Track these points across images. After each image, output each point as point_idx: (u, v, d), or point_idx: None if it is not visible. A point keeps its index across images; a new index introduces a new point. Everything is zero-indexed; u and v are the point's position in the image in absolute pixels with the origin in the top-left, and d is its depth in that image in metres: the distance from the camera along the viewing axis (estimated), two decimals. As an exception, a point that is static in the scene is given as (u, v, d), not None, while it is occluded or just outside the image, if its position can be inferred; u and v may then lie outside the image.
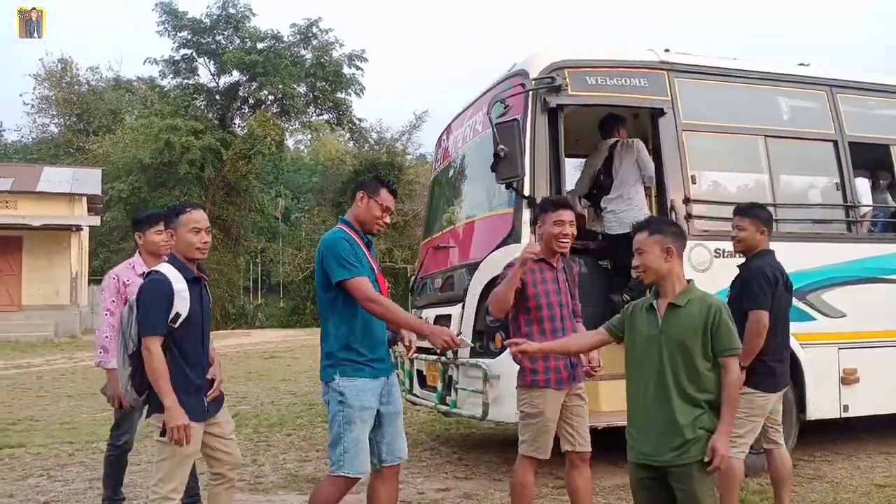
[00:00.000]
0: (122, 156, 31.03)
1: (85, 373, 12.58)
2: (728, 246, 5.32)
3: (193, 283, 3.23)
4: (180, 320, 3.14)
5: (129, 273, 4.17)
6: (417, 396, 6.08)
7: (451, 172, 6.61)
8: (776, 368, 3.97)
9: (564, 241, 3.76)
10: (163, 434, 3.09)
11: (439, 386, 5.41)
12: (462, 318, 5.27)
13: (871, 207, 6.05)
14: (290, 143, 42.40)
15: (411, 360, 6.24)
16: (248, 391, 10.19)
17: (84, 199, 23.52)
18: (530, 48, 5.56)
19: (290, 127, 34.40)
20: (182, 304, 3.15)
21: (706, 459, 2.67)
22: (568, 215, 3.77)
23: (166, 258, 3.44)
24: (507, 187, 4.94)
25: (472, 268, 5.28)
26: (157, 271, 3.23)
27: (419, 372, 6.13)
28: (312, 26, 31.52)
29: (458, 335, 3.51)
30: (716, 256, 5.30)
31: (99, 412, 8.58)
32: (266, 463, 5.83)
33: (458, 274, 5.59)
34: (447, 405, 5.29)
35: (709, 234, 5.35)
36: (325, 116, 34.22)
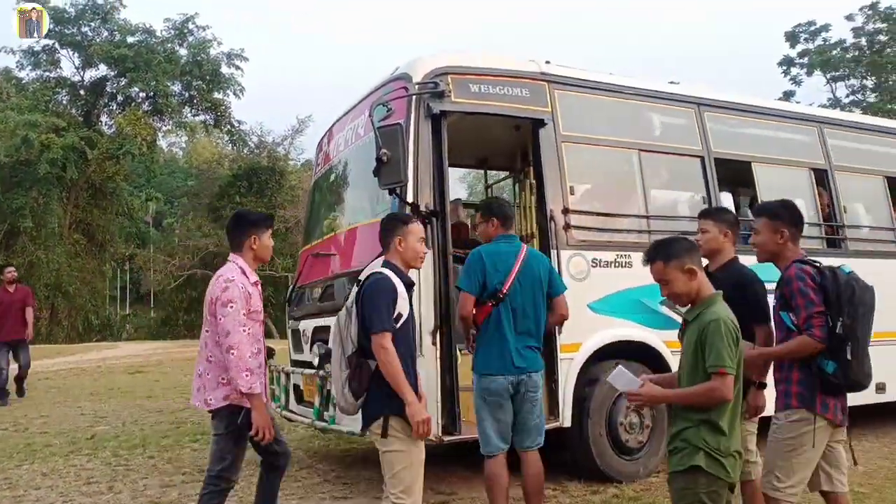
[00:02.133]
0: (-30, 153, 28.29)
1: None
2: (604, 256, 5.48)
3: (408, 288, 3.39)
4: (400, 322, 3.26)
5: (245, 280, 3.64)
6: (294, 413, 5.80)
7: (332, 177, 6.39)
8: None
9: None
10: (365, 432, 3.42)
11: (316, 401, 5.15)
12: (341, 329, 5.05)
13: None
14: (163, 144, 40.39)
15: (287, 375, 5.96)
16: (108, 409, 9.42)
17: (-76, 198, 21.20)
18: (413, 55, 5.38)
19: (164, 127, 32.75)
20: (404, 304, 3.29)
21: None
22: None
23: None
24: (389, 193, 4.79)
25: (354, 276, 5.08)
26: (380, 272, 3.35)
27: (296, 387, 5.85)
28: (188, 22, 30.25)
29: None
30: (593, 266, 5.40)
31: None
32: (124, 490, 5.35)
33: (338, 283, 5.37)
34: (325, 421, 5.05)
35: (586, 244, 5.43)
36: (202, 117, 32.84)
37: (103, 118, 32.63)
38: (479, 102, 5.26)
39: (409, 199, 4.85)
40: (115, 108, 32.58)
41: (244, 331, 3.52)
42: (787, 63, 36.31)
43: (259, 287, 3.79)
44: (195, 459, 6.30)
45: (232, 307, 3.50)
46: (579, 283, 5.31)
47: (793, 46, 36.00)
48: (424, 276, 4.78)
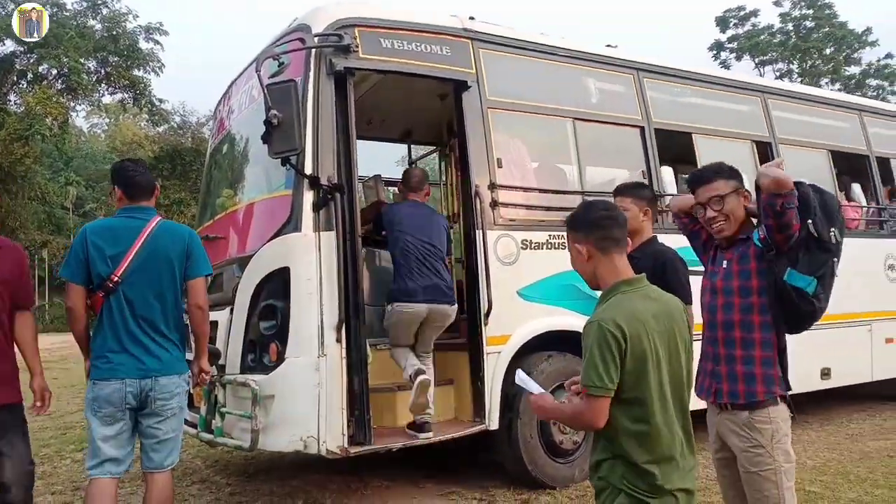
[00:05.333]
0: None
1: None
2: (535, 237, 4.88)
3: None
4: None
5: None
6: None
7: (226, 147, 5.59)
8: None
9: (713, 225, 2.84)
10: None
11: (203, 409, 4.41)
12: (230, 325, 4.31)
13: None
14: (84, 126, 38.26)
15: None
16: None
17: None
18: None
19: (78, 106, 30.72)
20: None
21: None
22: (705, 192, 2.82)
23: None
24: (283, 163, 4.05)
25: (244, 262, 4.35)
26: None
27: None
28: (102, -7, 28.23)
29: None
30: (523, 248, 4.79)
31: None
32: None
33: (227, 270, 4.61)
34: (211, 433, 4.31)
35: (516, 223, 4.83)
36: (120, 95, 30.88)
37: (11, 97, 30.34)
38: (392, 60, 4.56)
39: (308, 170, 4.12)
40: (24, 86, 30.34)
41: None
42: (717, 47, 36.77)
43: None
44: (72, 474, 5.45)
45: None
46: (508, 267, 4.71)
47: (723, 31, 36.48)
48: (327, 262, 4.09)
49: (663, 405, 2.09)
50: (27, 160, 29.04)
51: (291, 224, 4.11)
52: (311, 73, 4.24)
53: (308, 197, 4.12)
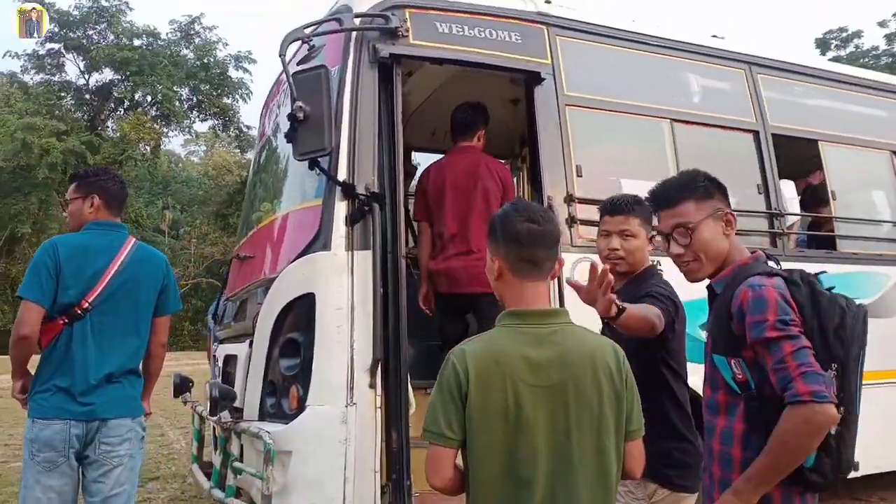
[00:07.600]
0: (-30, 157, 27.54)
1: None
2: (623, 261, 3.98)
3: None
4: None
5: None
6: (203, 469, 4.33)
7: (264, 154, 4.97)
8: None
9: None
10: None
11: (216, 461, 3.72)
12: (249, 361, 3.61)
13: (799, 217, 4.85)
14: (182, 153, 39.86)
15: (202, 417, 4.52)
16: None
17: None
18: None
19: (170, 132, 31.83)
20: None
21: None
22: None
23: None
24: (310, 166, 3.35)
25: (268, 286, 3.65)
26: None
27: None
28: (194, 23, 29.24)
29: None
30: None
31: None
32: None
33: (251, 295, 3.94)
34: (222, 491, 3.60)
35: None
36: (210, 122, 31.85)
37: (109, 123, 31.79)
38: (449, 48, 3.80)
39: (341, 175, 3.39)
40: (122, 113, 31.75)
41: None
42: (818, 70, 34.61)
43: None
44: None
45: None
46: (588, 297, 3.81)
47: (823, 53, 34.27)
48: (361, 288, 3.33)
49: (510, 482, 1.60)
50: (121, 184, 30.25)
51: (320, 241, 3.38)
52: (350, 61, 3.53)
53: (341, 208, 3.39)
